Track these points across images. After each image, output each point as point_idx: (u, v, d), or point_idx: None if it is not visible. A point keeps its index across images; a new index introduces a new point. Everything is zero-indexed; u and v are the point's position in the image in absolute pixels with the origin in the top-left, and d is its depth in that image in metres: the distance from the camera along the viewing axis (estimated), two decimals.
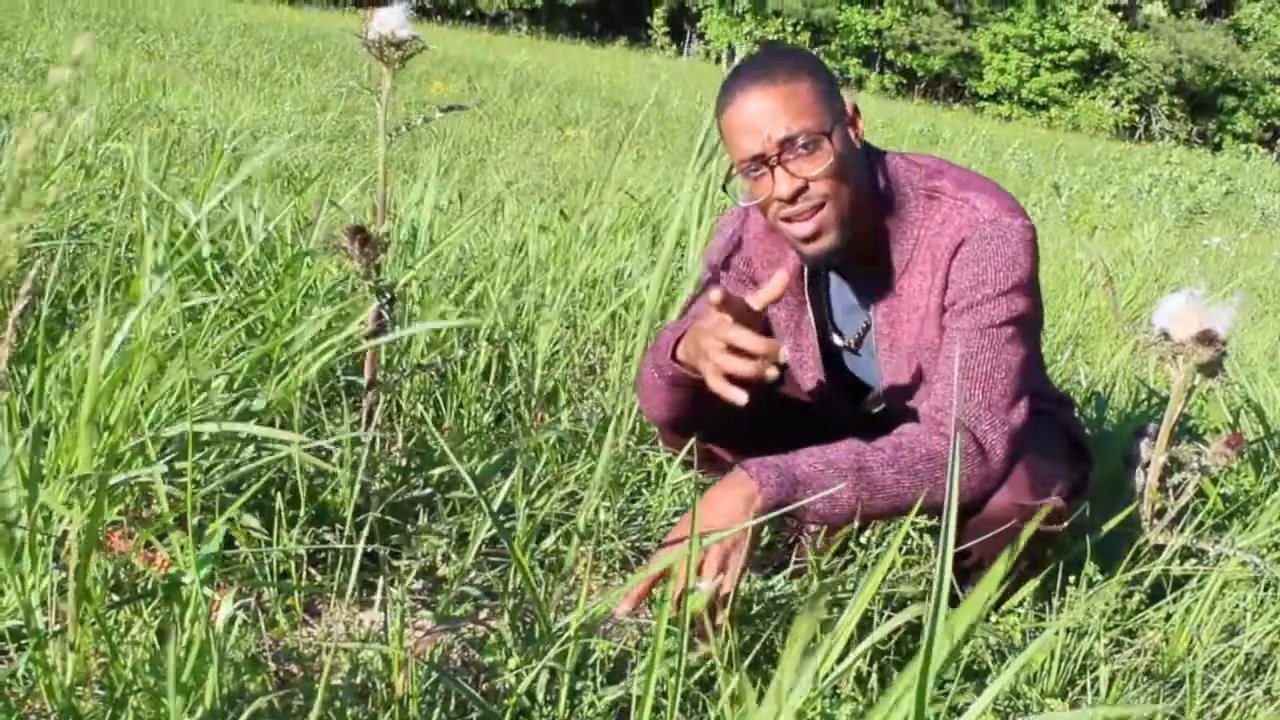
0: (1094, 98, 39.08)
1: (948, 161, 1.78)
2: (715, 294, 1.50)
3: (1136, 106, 39.15)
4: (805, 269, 1.84)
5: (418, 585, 1.81)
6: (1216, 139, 38.33)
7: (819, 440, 1.75)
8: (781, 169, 1.60)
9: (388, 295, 1.60)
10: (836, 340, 1.89)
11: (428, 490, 1.96)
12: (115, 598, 1.45)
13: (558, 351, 2.53)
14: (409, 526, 1.86)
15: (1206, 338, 1.80)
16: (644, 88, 14.54)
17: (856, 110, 1.70)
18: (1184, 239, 9.65)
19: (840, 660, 1.15)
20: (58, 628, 1.24)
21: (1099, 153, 19.57)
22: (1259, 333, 5.02)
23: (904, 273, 1.73)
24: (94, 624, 1.25)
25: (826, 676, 1.12)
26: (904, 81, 40.15)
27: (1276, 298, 6.93)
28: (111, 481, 1.55)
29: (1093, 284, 4.81)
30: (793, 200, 1.61)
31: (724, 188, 1.73)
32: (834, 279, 1.85)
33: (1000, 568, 0.96)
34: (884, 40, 39.95)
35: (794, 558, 1.97)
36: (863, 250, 1.73)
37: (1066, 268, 5.52)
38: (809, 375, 1.90)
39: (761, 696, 0.98)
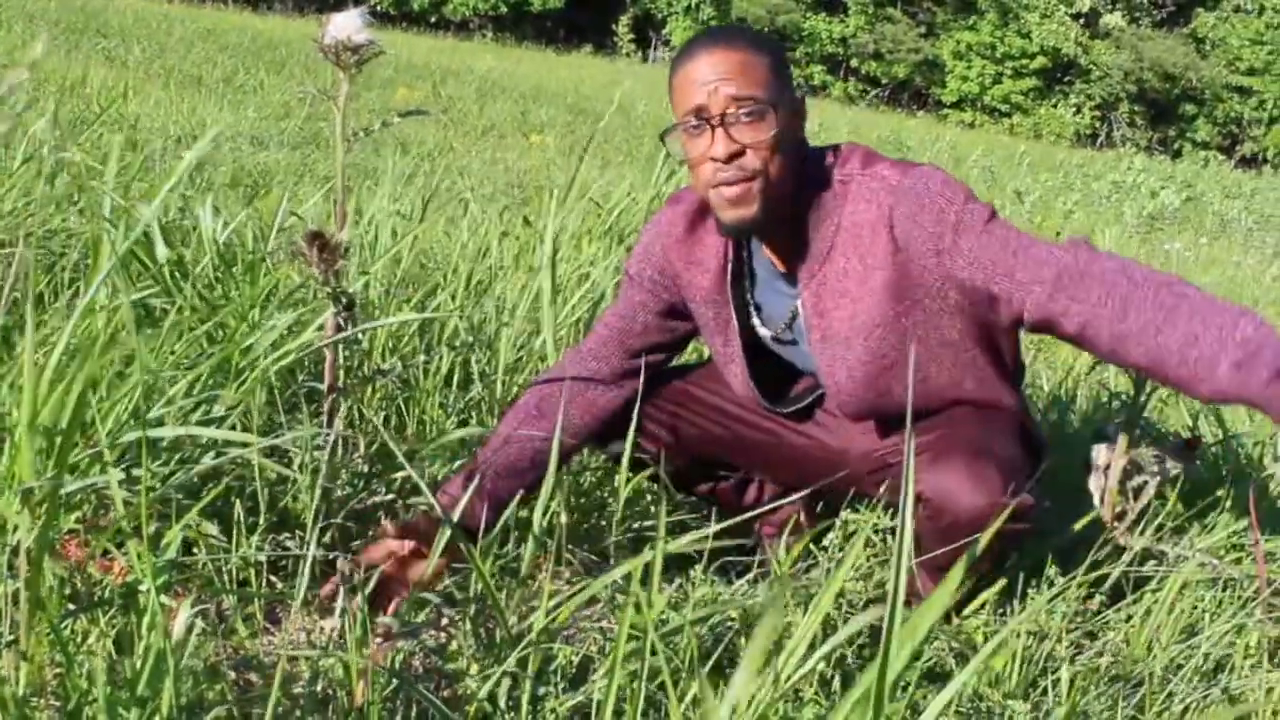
0: (1055, 105, 39.39)
1: (859, 144, 1.81)
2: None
3: (1098, 114, 39.49)
4: (729, 268, 1.86)
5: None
6: (1176, 146, 38.71)
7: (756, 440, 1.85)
8: (722, 130, 1.63)
9: (345, 300, 1.59)
10: (763, 332, 1.91)
11: (389, 497, 1.95)
12: (71, 607, 1.43)
13: (521, 357, 2.52)
14: (371, 533, 1.85)
15: None
16: (609, 94, 14.55)
17: (804, 105, 1.75)
18: (1145, 245, 9.75)
19: (803, 662, 1.15)
20: (11, 638, 1.22)
21: (1061, 160, 19.72)
22: None
23: (825, 260, 1.75)
24: (49, 634, 1.24)
25: (788, 679, 1.12)
26: (868, 89, 40.31)
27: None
28: (65, 490, 1.53)
29: None
30: (728, 161, 1.64)
31: (662, 139, 1.76)
32: (762, 274, 1.86)
33: (960, 569, 0.97)
34: (848, 48, 40.10)
35: (758, 561, 1.98)
36: (783, 237, 1.76)
37: None
38: (735, 369, 1.92)
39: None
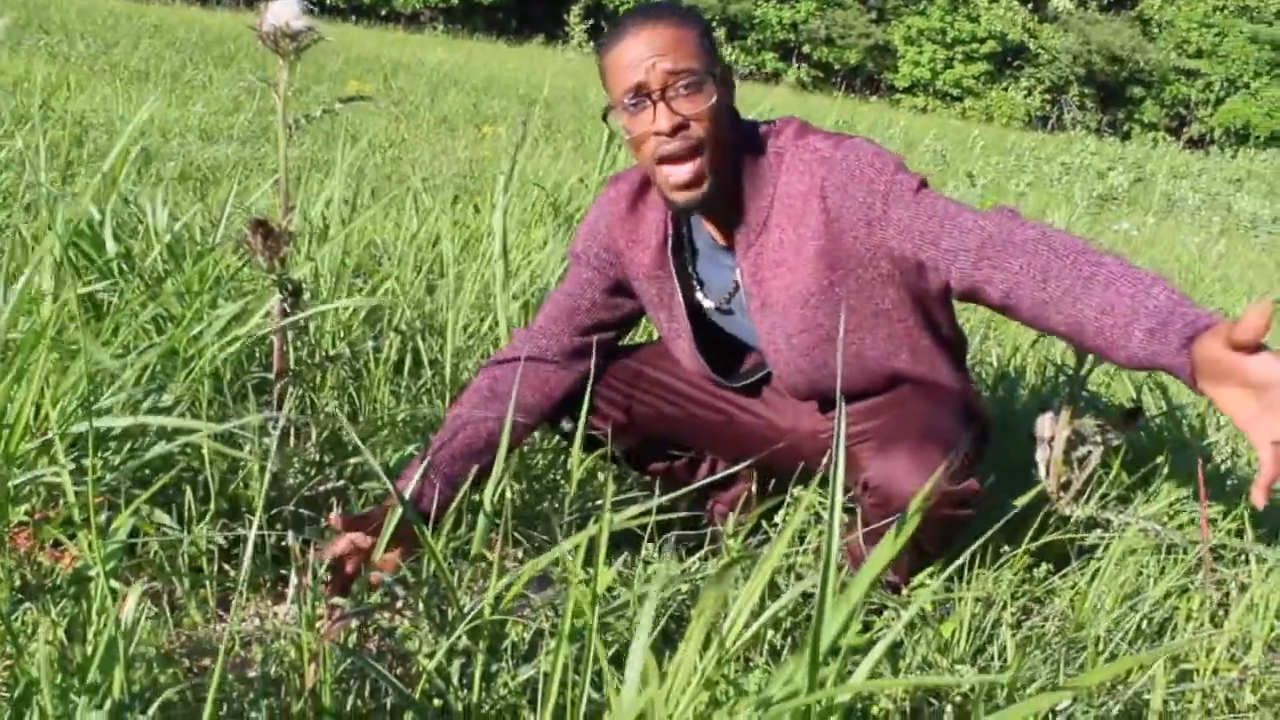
0: (1006, 89, 39.67)
1: (793, 118, 1.83)
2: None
3: (1048, 97, 39.81)
4: (670, 242, 1.87)
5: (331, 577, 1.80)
6: (1126, 128, 39.11)
7: (701, 415, 1.88)
8: (663, 104, 1.65)
9: (290, 287, 1.60)
10: (706, 304, 1.93)
11: (341, 483, 1.96)
12: (21, 596, 1.43)
13: (472, 343, 2.53)
14: (322, 520, 1.86)
15: None
16: (562, 84, 14.53)
17: (732, 75, 1.77)
18: (1095, 224, 9.85)
19: (745, 629, 1.17)
20: None
21: (1013, 142, 19.85)
22: None
23: (762, 231, 1.78)
24: None
25: (735, 643, 1.14)
26: (821, 75, 40.40)
27: (1180, 279, 7.11)
28: (13, 483, 1.53)
29: None
30: (673, 134, 1.66)
31: (604, 118, 1.78)
32: (703, 247, 1.88)
33: (890, 540, 0.99)
34: (800, 34, 40.14)
35: (709, 536, 2.00)
36: (722, 209, 1.79)
37: None
38: (682, 343, 1.94)
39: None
